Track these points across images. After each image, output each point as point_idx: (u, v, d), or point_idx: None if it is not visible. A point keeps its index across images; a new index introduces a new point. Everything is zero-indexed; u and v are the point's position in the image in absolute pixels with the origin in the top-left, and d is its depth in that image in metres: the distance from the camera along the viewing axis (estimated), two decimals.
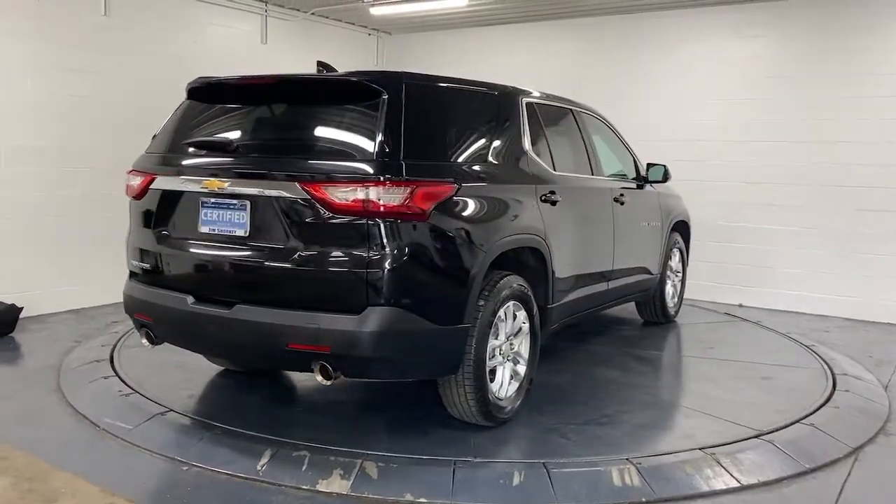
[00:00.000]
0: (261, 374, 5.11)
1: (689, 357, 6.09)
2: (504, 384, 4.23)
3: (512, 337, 4.28)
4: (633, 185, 6.10)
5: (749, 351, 6.12)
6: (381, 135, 3.62)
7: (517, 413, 4.31)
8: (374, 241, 3.52)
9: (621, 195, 5.65)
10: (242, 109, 4.17)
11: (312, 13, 9.00)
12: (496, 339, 4.13)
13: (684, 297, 7.29)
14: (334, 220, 3.56)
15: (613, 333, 6.58)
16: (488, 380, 4.03)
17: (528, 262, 4.48)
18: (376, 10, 8.53)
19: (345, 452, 3.76)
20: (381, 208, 3.50)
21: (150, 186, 4.13)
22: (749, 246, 7.89)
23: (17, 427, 4.20)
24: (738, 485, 3.64)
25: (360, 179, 3.51)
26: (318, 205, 3.55)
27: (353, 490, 3.49)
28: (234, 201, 3.79)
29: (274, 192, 3.66)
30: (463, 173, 3.99)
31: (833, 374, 5.34)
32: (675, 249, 6.86)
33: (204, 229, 3.92)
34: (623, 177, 6.07)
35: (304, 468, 3.64)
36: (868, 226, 7.36)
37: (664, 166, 6.15)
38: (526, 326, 4.37)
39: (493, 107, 4.52)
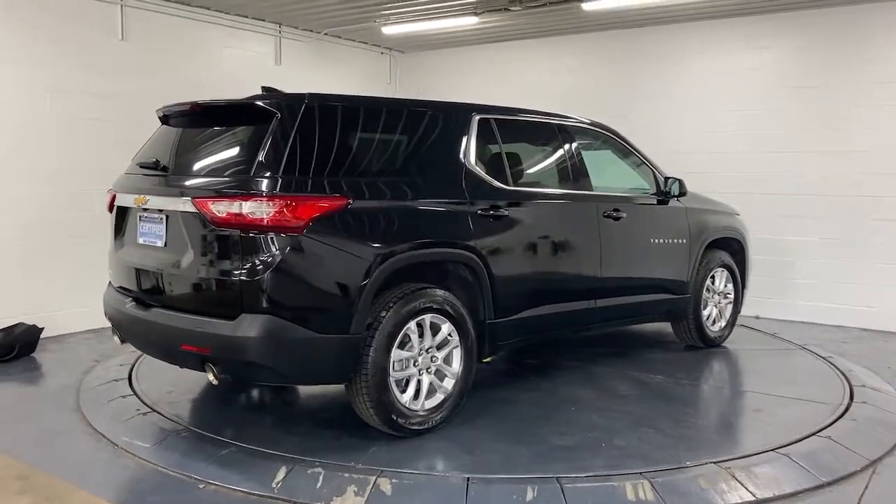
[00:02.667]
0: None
1: (687, 384, 5.46)
2: (421, 395, 4.27)
3: (434, 349, 4.33)
4: (651, 201, 5.92)
5: (762, 381, 5.67)
6: (263, 153, 3.90)
7: (440, 425, 4.33)
8: (247, 252, 3.79)
9: (615, 210, 5.45)
10: (177, 132, 4.55)
11: (325, 34, 9.12)
12: (407, 350, 4.20)
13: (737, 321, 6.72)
14: (217, 233, 3.87)
15: (635, 354, 6.23)
16: (393, 390, 4.11)
17: (464, 275, 4.53)
18: (388, 30, 8.63)
19: (360, 469, 3.79)
20: (254, 221, 3.76)
21: (114, 203, 4.66)
22: (765, 257, 7.84)
23: (37, 446, 4.26)
24: (754, 499, 3.62)
25: (235, 195, 3.81)
26: (205, 218, 3.87)
27: None
28: (156, 215, 4.25)
29: (178, 208, 4.05)
30: (361, 189, 4.10)
31: (851, 386, 5.30)
32: (717, 269, 6.37)
33: (140, 240, 4.40)
34: (640, 191, 5.93)
35: (318, 485, 3.66)
36: (884, 236, 7.32)
37: (679, 180, 5.94)
38: (455, 340, 4.40)
39: (423, 125, 4.61)
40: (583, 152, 5.52)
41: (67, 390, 5.22)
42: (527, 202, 4.93)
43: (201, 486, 3.73)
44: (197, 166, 4.27)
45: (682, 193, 5.97)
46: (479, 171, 4.69)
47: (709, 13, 7.95)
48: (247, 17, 8.27)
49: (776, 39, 7.87)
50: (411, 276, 4.28)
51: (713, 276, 6.36)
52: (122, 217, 4.62)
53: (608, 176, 5.91)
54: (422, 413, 4.27)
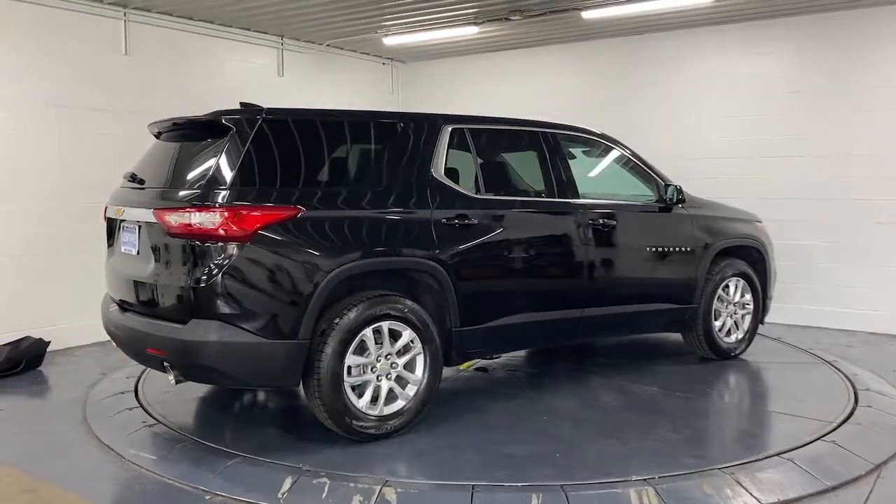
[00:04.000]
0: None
1: (679, 396, 5.24)
2: (380, 401, 4.33)
3: (393, 356, 4.39)
4: (650, 208, 5.81)
5: (761, 394, 5.68)
6: (215, 166, 4.11)
7: (400, 431, 4.39)
8: (198, 261, 3.99)
9: (605, 218, 5.36)
10: (160, 147, 4.75)
11: (327, 45, 9.17)
12: (363, 356, 4.27)
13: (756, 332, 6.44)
14: (173, 242, 4.11)
15: (640, 365, 6.04)
16: (348, 394, 4.20)
17: (431, 283, 4.57)
18: (389, 40, 8.68)
19: (364, 479, 3.80)
20: (203, 231, 3.96)
21: (106, 214, 4.90)
22: None
23: (45, 459, 4.29)
24: None
25: (187, 206, 4.02)
26: (163, 228, 4.10)
27: None
28: (132, 226, 4.49)
29: (145, 218, 4.31)
30: (313, 199, 4.22)
31: (855, 390, 5.29)
32: (732, 278, 6.13)
33: (122, 249, 4.64)
34: (637, 199, 5.84)
35: (324, 495, 3.68)
36: (887, 239, 7.32)
37: (676, 187, 5.79)
38: (418, 347, 4.44)
39: (386, 136, 4.69)
40: (569, 160, 5.45)
41: (74, 403, 5.25)
42: (499, 211, 4.94)
43: (208, 498, 3.75)
44: (164, 179, 4.44)
45: (681, 200, 5.81)
46: (447, 180, 4.74)
47: (707, 20, 7.99)
48: (249, 30, 8.33)
49: (775, 44, 7.90)
50: (373, 284, 4.39)
51: (727, 286, 6.12)
52: (111, 228, 4.86)
53: (601, 183, 5.85)
54: (379, 418, 4.33)
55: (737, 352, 6.26)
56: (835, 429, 4.51)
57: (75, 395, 5.44)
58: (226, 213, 3.95)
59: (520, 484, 3.75)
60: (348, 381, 4.20)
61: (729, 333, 6.23)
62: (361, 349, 4.28)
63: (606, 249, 5.42)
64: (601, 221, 5.36)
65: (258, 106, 4.43)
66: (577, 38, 8.89)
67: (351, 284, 4.28)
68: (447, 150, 4.80)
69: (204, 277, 3.95)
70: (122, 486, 3.98)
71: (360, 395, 4.28)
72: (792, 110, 7.76)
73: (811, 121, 7.67)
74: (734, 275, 6.15)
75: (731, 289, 6.16)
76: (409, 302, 4.44)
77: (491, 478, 3.81)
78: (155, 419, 4.77)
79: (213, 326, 3.96)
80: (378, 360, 4.34)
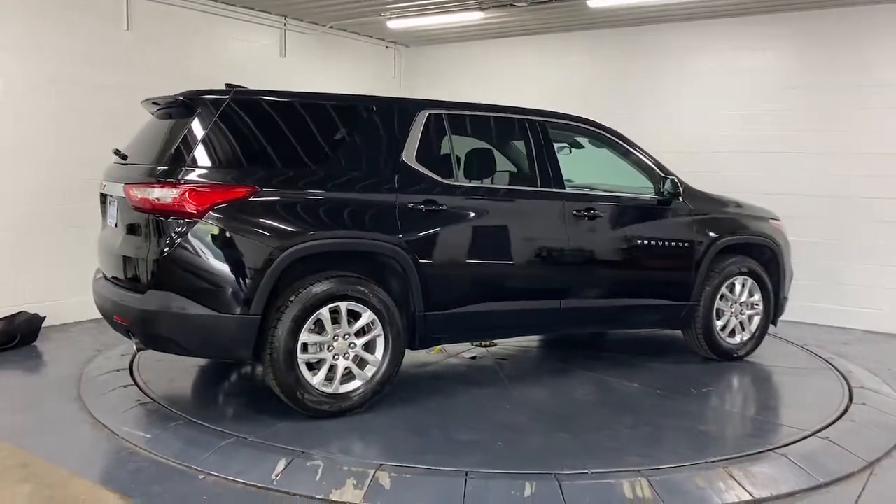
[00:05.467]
0: None
1: (658, 393, 5.08)
2: (336, 379, 4.42)
3: (351, 336, 4.46)
4: (645, 200, 5.62)
5: (749, 397, 5.47)
6: (178, 144, 4.28)
7: (356, 410, 4.47)
8: (156, 234, 4.20)
9: (589, 209, 5.24)
10: (146, 125, 4.86)
11: (331, 27, 9.11)
12: (319, 335, 4.37)
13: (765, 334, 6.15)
14: (136, 216, 4.31)
15: (635, 362, 5.85)
16: (301, 371, 4.31)
17: (395, 267, 4.61)
18: (393, 24, 8.62)
19: (358, 462, 3.81)
20: (160, 206, 4.15)
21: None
22: None
23: (39, 435, 4.28)
24: (751, 498, 3.63)
25: (148, 182, 4.22)
26: (129, 202, 4.29)
27: (366, 500, 3.52)
28: (114, 200, 4.65)
29: (119, 193, 4.46)
30: (271, 180, 4.33)
31: (850, 388, 5.29)
32: (738, 277, 5.86)
33: (108, 222, 4.84)
34: (631, 190, 5.70)
35: (317, 477, 3.68)
36: (885, 237, 7.31)
37: (672, 179, 5.57)
38: (378, 329, 4.50)
39: (356, 120, 4.73)
40: (556, 149, 5.36)
41: (69, 380, 5.24)
42: (473, 198, 4.93)
43: (201, 477, 3.75)
44: (140, 156, 4.56)
45: (676, 193, 5.59)
46: (418, 165, 4.74)
47: (711, 12, 7.93)
48: (253, 9, 8.26)
49: (777, 40, 7.85)
50: (340, 266, 4.47)
51: (732, 284, 5.86)
52: (103, 202, 5.00)
53: (592, 173, 5.76)
54: (333, 395, 4.42)
55: (740, 353, 5.97)
56: (829, 425, 4.52)
57: (70, 371, 5.43)
58: (180, 190, 4.12)
59: (513, 471, 3.76)
60: (303, 357, 4.31)
61: (733, 334, 5.95)
62: (322, 327, 4.37)
63: (589, 242, 5.31)
64: (584, 213, 5.26)
65: (241, 87, 4.54)
66: (581, 26, 8.83)
67: (312, 265, 4.37)
68: (422, 136, 4.81)
69: (160, 250, 4.15)
70: (116, 463, 3.97)
71: (315, 373, 4.38)
72: (793, 106, 7.72)
73: (812, 117, 7.64)
74: (741, 273, 5.88)
75: (737, 287, 5.90)
76: (370, 284, 4.49)
77: (421, 460, 3.85)
78: (149, 397, 4.77)
79: (166, 297, 4.16)
80: (335, 340, 4.42)
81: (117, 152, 4.77)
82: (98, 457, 4.07)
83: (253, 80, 5.24)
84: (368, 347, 4.53)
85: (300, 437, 4.11)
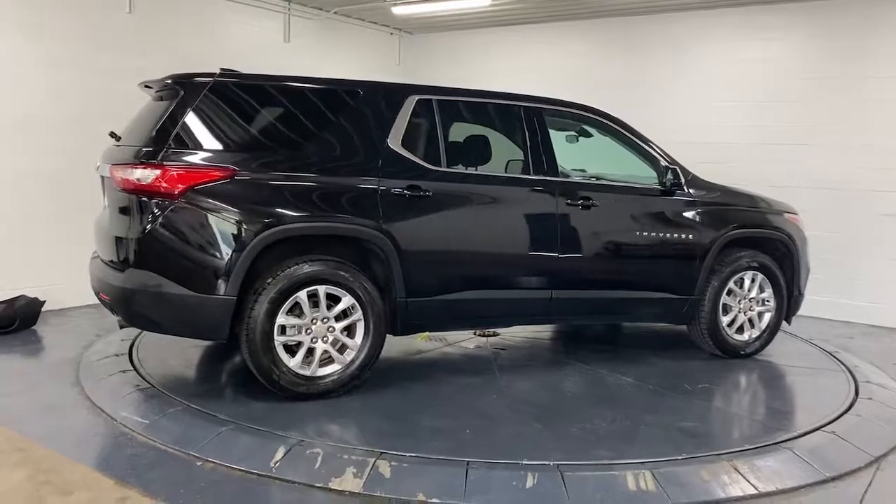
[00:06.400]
0: None
1: (649, 389, 4.95)
2: (314, 362, 4.45)
3: (331, 320, 4.47)
4: (646, 190, 5.47)
5: (744, 397, 5.22)
6: (158, 126, 4.34)
7: (333, 393, 4.48)
8: (136, 214, 4.27)
9: (584, 199, 5.13)
10: (143, 107, 4.87)
11: (335, 12, 9.03)
12: (297, 318, 4.39)
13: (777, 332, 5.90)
14: (120, 195, 4.38)
15: (635, 357, 5.71)
16: (278, 353, 4.35)
17: (377, 252, 4.59)
18: (398, 10, 8.54)
19: (358, 451, 3.76)
20: (140, 187, 4.22)
21: None
22: None
23: (36, 420, 4.25)
24: (756, 492, 3.59)
25: (129, 163, 4.29)
26: (114, 183, 4.37)
27: (366, 489, 3.48)
28: (107, 180, 4.65)
29: (106, 174, 4.56)
30: (250, 163, 4.35)
31: (856, 382, 5.25)
32: (747, 272, 5.65)
33: (104, 202, 4.84)
34: (632, 180, 5.59)
35: (317, 465, 3.64)
36: (892, 231, 7.24)
37: (674, 169, 5.44)
38: (358, 314, 4.50)
39: (340, 105, 4.70)
40: (552, 137, 5.24)
41: (67, 364, 5.21)
42: (460, 184, 4.87)
43: (199, 464, 3.71)
44: (130, 137, 4.60)
45: (678, 183, 5.45)
46: (403, 151, 4.71)
47: (718, 2, 7.85)
48: None
49: (785, 31, 7.76)
50: (321, 250, 4.49)
51: (741, 279, 5.66)
52: (102, 183, 4.98)
53: (591, 162, 5.65)
54: (310, 378, 4.45)
55: (748, 350, 5.74)
56: (835, 420, 4.47)
57: (69, 355, 5.40)
58: (158, 171, 4.18)
59: (515, 461, 3.71)
60: (280, 339, 4.35)
61: (741, 330, 5.72)
62: (301, 311, 4.39)
63: (582, 232, 5.20)
64: (578, 202, 5.14)
65: (235, 72, 4.55)
66: (588, 15, 8.76)
67: (295, 248, 4.40)
68: (409, 121, 4.77)
69: (140, 230, 4.23)
70: (113, 449, 3.93)
71: (293, 355, 4.39)
72: (800, 98, 7.64)
73: (819, 109, 7.55)
74: (750, 267, 5.66)
75: (746, 282, 5.68)
76: (351, 269, 4.48)
77: (389, 445, 3.82)
78: (148, 382, 4.73)
79: (145, 276, 4.26)
80: (314, 323, 4.43)
81: (112, 134, 4.80)
82: (96, 442, 4.03)
83: (256, 66, 5.18)
84: (349, 332, 4.53)
85: (271, 417, 4.15)
